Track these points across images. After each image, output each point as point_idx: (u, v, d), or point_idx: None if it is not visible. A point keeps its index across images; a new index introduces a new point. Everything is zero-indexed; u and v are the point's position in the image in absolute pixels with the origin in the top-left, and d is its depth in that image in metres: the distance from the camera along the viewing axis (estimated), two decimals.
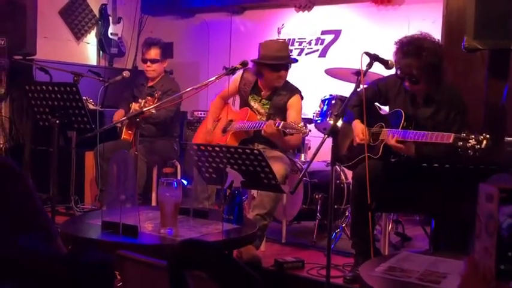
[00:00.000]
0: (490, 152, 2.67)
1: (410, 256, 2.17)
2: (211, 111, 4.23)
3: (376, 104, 3.40)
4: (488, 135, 2.67)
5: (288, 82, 4.01)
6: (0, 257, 1.10)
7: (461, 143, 2.71)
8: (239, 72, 4.05)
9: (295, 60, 4.14)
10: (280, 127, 3.46)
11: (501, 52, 3.61)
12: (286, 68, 3.92)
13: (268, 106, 3.95)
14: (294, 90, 3.95)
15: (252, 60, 3.93)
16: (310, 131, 3.51)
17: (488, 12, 3.44)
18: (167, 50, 5.03)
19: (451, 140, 2.76)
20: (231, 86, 4.12)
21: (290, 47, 5.74)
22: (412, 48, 3.01)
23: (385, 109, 3.42)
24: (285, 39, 4.76)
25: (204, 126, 4.25)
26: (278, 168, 3.41)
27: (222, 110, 4.19)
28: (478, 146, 2.66)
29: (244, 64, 3.84)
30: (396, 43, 3.11)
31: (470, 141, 2.69)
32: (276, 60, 3.87)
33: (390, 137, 3.02)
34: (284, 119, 3.75)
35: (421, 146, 3.00)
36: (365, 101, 3.01)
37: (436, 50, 3.05)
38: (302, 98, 3.98)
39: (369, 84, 3.37)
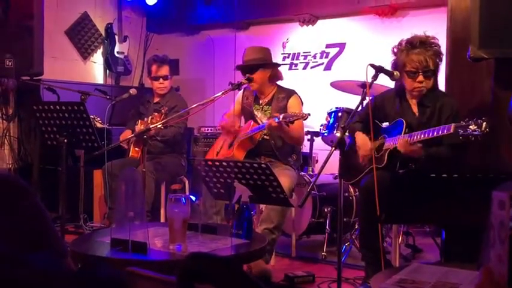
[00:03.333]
0: (497, 159, 2.66)
1: (422, 267, 2.15)
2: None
3: (376, 121, 3.40)
4: (486, 119, 2.72)
5: (283, 87, 4.07)
6: (9, 276, 1.09)
7: (461, 130, 2.75)
8: (239, 93, 4.13)
9: (255, 66, 3.96)
10: (281, 119, 3.52)
11: (507, 61, 3.60)
12: (253, 70, 3.90)
13: (269, 111, 3.98)
14: (290, 92, 4.01)
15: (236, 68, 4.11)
16: (309, 114, 3.51)
17: (493, 21, 3.43)
18: (174, 67, 5.08)
19: (451, 130, 2.79)
20: (235, 107, 4.19)
21: (295, 61, 5.78)
22: (420, 40, 3.12)
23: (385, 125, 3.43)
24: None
25: (214, 148, 4.29)
26: (284, 181, 3.40)
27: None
28: (479, 130, 2.70)
29: (249, 79, 3.86)
30: (398, 45, 3.21)
31: (470, 127, 2.73)
32: (243, 63, 4.01)
33: (401, 140, 3.00)
34: None
35: (427, 149, 3.02)
36: (366, 114, 3.02)
37: (438, 43, 3.18)
38: (301, 98, 4.00)
39: (367, 102, 3.38)
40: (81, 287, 1.08)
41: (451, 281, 1.92)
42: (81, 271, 1.28)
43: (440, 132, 2.86)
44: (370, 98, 3.16)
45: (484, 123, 2.71)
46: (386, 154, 3.13)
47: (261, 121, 3.96)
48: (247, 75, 3.88)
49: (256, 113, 4.05)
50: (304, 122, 3.84)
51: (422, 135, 2.96)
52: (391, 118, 3.30)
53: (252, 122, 3.98)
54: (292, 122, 3.55)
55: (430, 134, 2.92)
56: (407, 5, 5.10)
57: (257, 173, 2.89)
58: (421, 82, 3.13)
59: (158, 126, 3.82)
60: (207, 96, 4.11)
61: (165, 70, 4.71)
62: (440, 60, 3.18)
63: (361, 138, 3.27)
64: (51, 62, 5.45)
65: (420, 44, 3.11)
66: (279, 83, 4.09)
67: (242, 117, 4.25)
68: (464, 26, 3.77)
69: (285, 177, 3.60)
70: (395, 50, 3.21)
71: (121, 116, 5.13)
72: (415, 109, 3.25)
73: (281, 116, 3.54)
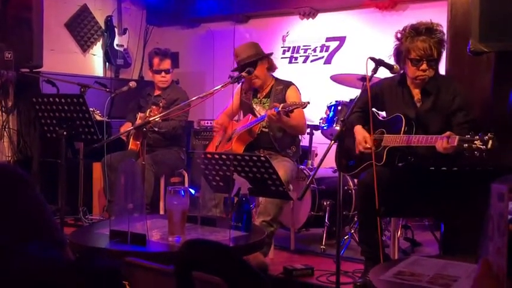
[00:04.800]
0: (497, 153, 2.63)
1: (420, 260, 2.15)
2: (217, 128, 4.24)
3: (374, 109, 3.39)
4: (493, 135, 2.64)
5: (280, 79, 4.10)
6: (8, 265, 1.09)
7: (466, 145, 2.68)
8: (238, 87, 4.11)
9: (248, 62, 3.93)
10: (280, 109, 3.53)
11: (507, 54, 3.60)
12: (248, 66, 3.87)
13: (268, 104, 3.98)
14: (288, 83, 4.03)
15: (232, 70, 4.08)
16: (308, 102, 3.50)
17: (493, 15, 3.42)
18: (174, 60, 5.08)
19: (455, 143, 2.73)
20: (234, 101, 4.17)
21: (295, 55, 5.77)
22: (426, 27, 3.10)
23: (383, 114, 3.42)
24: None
25: (214, 142, 4.29)
26: (280, 174, 3.40)
27: (227, 124, 4.20)
28: (484, 147, 2.63)
29: (249, 72, 3.85)
30: (402, 30, 3.17)
31: (476, 142, 2.65)
32: (238, 64, 4.00)
33: (439, 143, 2.87)
34: None
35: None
36: (364, 103, 3.00)
37: (443, 30, 3.17)
38: (298, 89, 4.02)
39: (365, 91, 3.36)
40: (78, 275, 1.08)
41: (449, 273, 1.92)
42: (79, 260, 1.28)
43: (443, 142, 2.80)
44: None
45: (491, 140, 2.63)
46: (385, 152, 3.11)
47: (260, 114, 3.96)
48: (248, 68, 3.87)
49: (254, 106, 4.04)
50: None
51: (421, 141, 2.92)
52: (389, 107, 3.28)
53: (251, 116, 3.97)
54: (291, 111, 3.55)
55: (429, 142, 2.87)
56: None
57: (256, 165, 2.88)
58: (424, 71, 3.10)
59: (156, 119, 3.82)
60: (207, 89, 4.10)
61: (167, 64, 4.71)
62: (443, 48, 3.15)
63: (360, 133, 3.25)
64: (51, 55, 5.43)
65: (426, 30, 3.08)
66: (275, 74, 4.11)
67: (241, 112, 4.25)
68: (465, 19, 3.76)
69: (282, 169, 3.59)
70: (398, 35, 3.17)
71: (120, 108, 5.12)
72: (417, 97, 3.21)
73: (280, 106, 3.55)
